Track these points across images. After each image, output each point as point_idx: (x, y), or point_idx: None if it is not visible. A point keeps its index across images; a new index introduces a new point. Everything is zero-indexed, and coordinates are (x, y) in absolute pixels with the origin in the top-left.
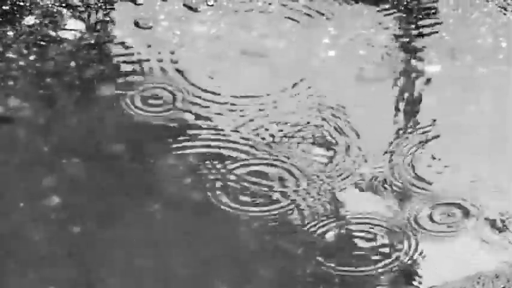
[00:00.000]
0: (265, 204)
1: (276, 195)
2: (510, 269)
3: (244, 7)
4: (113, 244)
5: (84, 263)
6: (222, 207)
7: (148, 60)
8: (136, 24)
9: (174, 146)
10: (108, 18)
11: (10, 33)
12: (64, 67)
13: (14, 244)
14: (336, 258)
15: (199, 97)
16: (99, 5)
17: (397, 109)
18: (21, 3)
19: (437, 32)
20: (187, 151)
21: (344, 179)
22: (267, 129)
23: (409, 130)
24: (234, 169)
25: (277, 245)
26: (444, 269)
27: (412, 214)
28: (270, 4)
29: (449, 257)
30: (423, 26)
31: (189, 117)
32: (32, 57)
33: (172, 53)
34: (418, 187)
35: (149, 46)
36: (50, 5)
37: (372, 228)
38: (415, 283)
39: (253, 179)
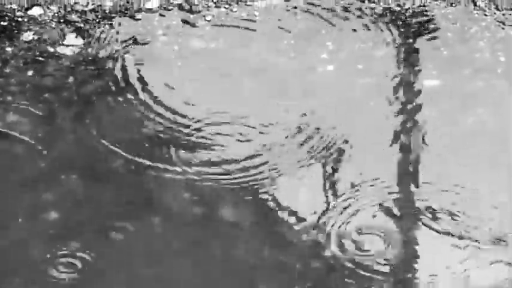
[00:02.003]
0: (265, 217)
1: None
2: (509, 284)
3: (242, 22)
4: (113, 259)
5: (84, 278)
6: (222, 220)
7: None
8: (135, 39)
9: (174, 159)
10: (106, 34)
11: (8, 49)
12: (62, 83)
13: (12, 259)
14: (336, 272)
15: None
16: (97, 20)
17: (395, 122)
18: (20, 19)
19: (435, 46)
20: (187, 165)
21: (344, 193)
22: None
23: (407, 144)
24: (232, 182)
25: (277, 259)
26: (442, 285)
27: (410, 227)
28: (268, 19)
29: (446, 272)
30: (421, 40)
31: (188, 132)
32: (30, 73)
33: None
34: (419, 200)
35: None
36: (48, 21)
37: (372, 242)
38: None
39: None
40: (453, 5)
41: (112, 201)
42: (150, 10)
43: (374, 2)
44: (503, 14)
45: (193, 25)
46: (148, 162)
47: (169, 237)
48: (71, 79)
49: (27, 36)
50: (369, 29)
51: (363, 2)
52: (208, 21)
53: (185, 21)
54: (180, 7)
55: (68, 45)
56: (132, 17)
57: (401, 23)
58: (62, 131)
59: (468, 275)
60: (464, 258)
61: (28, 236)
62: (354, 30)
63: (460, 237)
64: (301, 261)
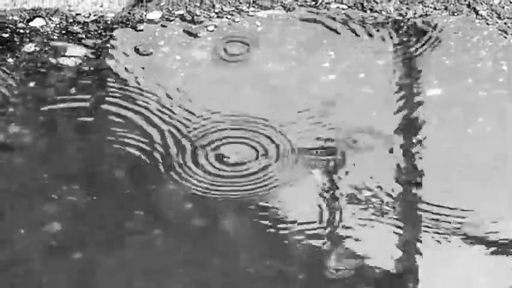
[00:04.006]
0: (267, 229)
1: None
2: None
3: (243, 32)
4: (113, 270)
5: None
6: (223, 231)
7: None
8: (137, 50)
9: (175, 171)
10: (108, 45)
11: (10, 60)
12: (64, 94)
13: (13, 271)
14: (338, 282)
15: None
16: (99, 31)
17: (397, 132)
18: (21, 31)
19: (437, 55)
20: (189, 176)
21: (345, 202)
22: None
23: (408, 154)
24: (234, 193)
25: (279, 270)
26: None
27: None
28: (270, 28)
29: (449, 281)
30: (423, 50)
31: (189, 142)
32: (32, 84)
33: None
34: (420, 209)
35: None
36: (50, 32)
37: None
38: None
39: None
40: (455, 14)
41: (113, 213)
42: (152, 21)
43: (376, 11)
44: (505, 23)
45: (195, 35)
46: (149, 173)
47: (170, 249)
48: (72, 90)
49: (29, 47)
50: (371, 38)
51: (365, 11)
52: (210, 31)
53: (187, 32)
54: (182, 18)
55: (69, 56)
56: (134, 27)
57: (403, 32)
58: (64, 142)
59: (471, 280)
60: (466, 263)
61: (29, 247)
62: (356, 39)
63: (461, 243)
64: (303, 272)
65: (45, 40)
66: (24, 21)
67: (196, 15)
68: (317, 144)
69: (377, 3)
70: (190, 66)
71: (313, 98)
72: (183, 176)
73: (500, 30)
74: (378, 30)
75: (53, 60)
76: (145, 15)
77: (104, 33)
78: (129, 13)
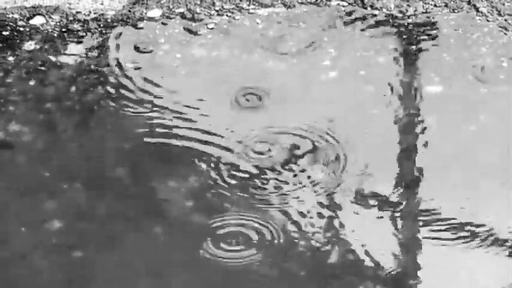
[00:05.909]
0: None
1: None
2: None
3: (244, 30)
4: (114, 268)
5: None
6: (225, 230)
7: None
8: (137, 48)
9: (176, 168)
10: (108, 43)
11: (10, 58)
12: (64, 92)
13: (14, 269)
14: (341, 279)
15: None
16: (99, 29)
17: (397, 129)
18: (21, 29)
19: (437, 53)
20: (189, 174)
21: (345, 199)
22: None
23: (409, 151)
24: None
25: (282, 267)
26: None
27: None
28: (270, 26)
29: (450, 280)
30: (423, 47)
31: (190, 140)
32: (32, 82)
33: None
34: (421, 208)
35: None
36: (50, 30)
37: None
38: None
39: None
40: (455, 11)
41: (114, 211)
42: (152, 19)
43: (376, 9)
44: (506, 20)
45: (195, 33)
46: (150, 170)
47: (171, 247)
48: (73, 88)
49: (29, 45)
50: (372, 36)
51: (365, 8)
52: (210, 29)
53: (187, 30)
54: (182, 15)
55: (70, 55)
56: (134, 25)
57: (403, 29)
58: (64, 140)
59: (472, 280)
60: (467, 262)
61: (30, 246)
62: (357, 36)
63: (462, 242)
64: (305, 270)
65: (46, 38)
66: (25, 19)
67: (196, 13)
68: (316, 141)
69: (377, 0)
70: (190, 64)
71: (313, 96)
72: None
73: (500, 27)
74: (377, 27)
75: (53, 59)
76: (145, 13)
77: (104, 31)
78: (130, 11)
